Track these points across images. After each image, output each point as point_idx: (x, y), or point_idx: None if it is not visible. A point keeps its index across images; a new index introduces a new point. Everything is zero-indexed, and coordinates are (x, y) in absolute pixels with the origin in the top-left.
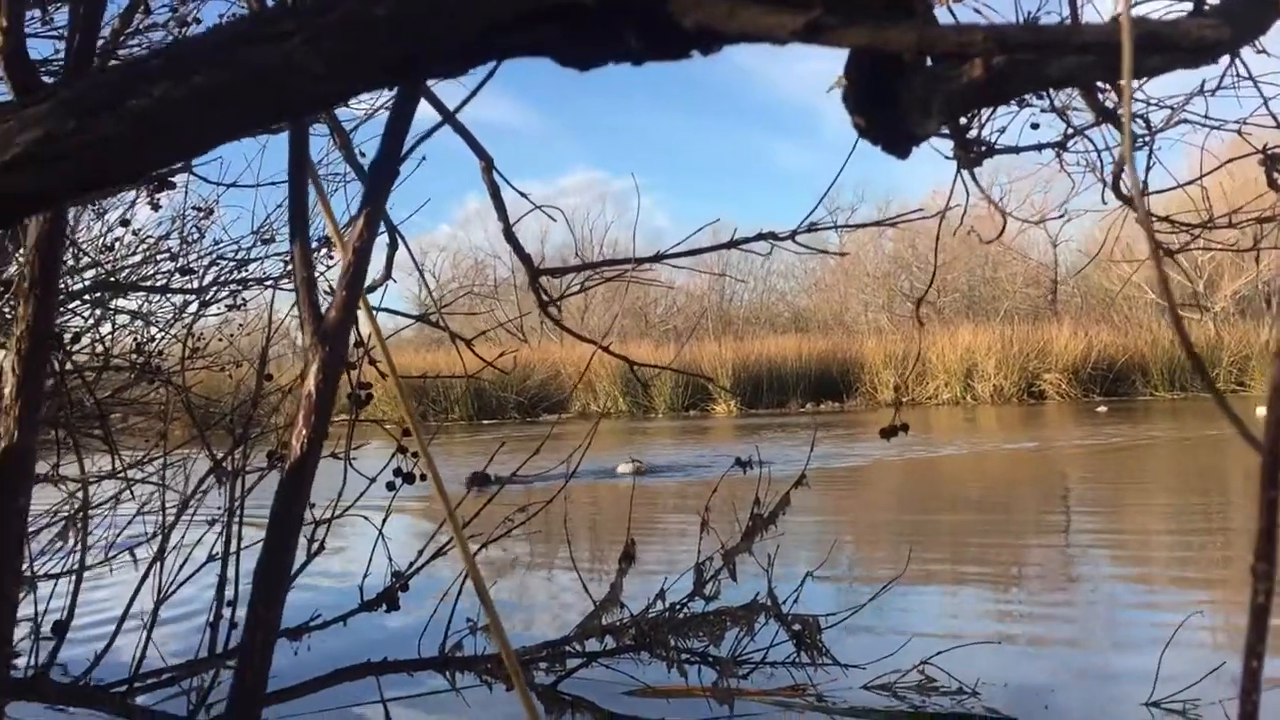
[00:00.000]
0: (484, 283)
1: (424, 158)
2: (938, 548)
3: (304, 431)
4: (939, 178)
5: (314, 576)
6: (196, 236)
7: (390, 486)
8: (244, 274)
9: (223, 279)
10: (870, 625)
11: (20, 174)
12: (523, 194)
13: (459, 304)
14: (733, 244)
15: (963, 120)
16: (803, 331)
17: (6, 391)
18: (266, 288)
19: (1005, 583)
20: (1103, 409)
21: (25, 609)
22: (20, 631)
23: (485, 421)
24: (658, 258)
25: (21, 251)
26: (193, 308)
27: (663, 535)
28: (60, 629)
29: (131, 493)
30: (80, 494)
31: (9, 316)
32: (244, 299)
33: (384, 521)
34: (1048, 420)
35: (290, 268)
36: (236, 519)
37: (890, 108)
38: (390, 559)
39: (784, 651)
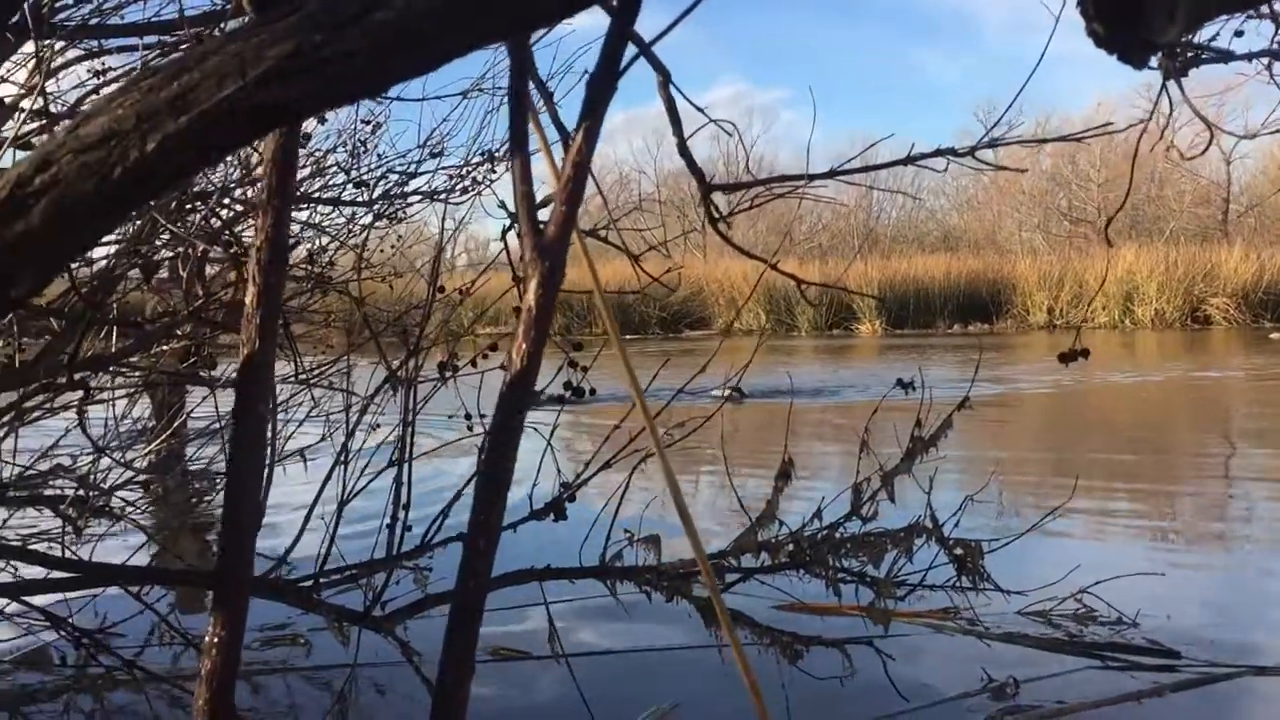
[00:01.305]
0: (630, 198)
1: (586, 71)
2: (1097, 477)
3: (523, 345)
4: (1102, 90)
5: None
6: (363, 151)
7: (559, 400)
8: (411, 188)
9: (392, 192)
10: (1028, 554)
11: (270, 88)
12: (699, 108)
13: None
14: (910, 160)
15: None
16: (952, 251)
17: (248, 301)
18: (435, 201)
19: (1168, 514)
20: (1275, 335)
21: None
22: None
23: (629, 336)
24: (832, 174)
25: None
26: (365, 220)
27: (805, 458)
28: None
29: (313, 397)
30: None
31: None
32: (409, 213)
33: (552, 433)
34: (1213, 346)
35: (454, 183)
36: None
37: (1133, 15)
38: (559, 470)
39: (940, 575)
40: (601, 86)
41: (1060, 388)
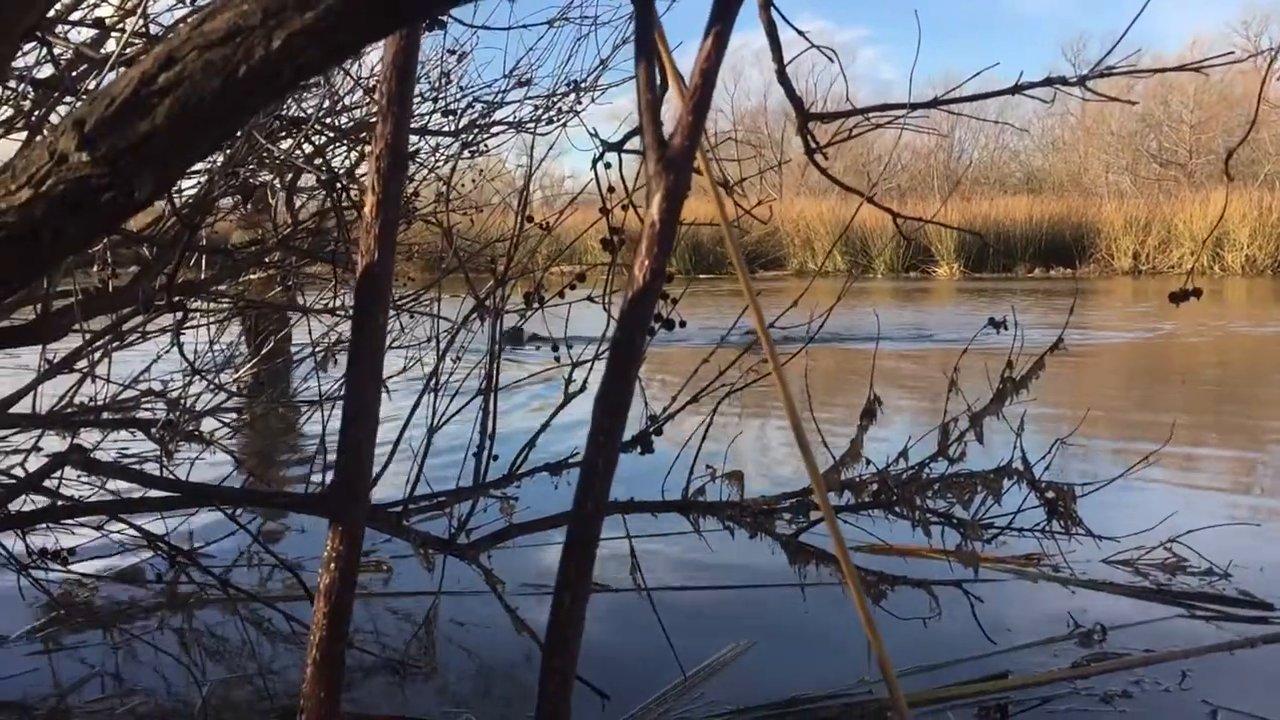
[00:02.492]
0: (709, 133)
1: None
2: (1187, 426)
3: (646, 261)
4: (1195, 28)
5: (574, 415)
6: (447, 82)
7: (650, 332)
8: (497, 117)
9: (479, 122)
10: (1113, 501)
11: None
12: (801, 32)
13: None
14: (1017, 89)
15: None
16: (1035, 193)
17: (366, 211)
18: (522, 132)
19: (1262, 466)
20: None
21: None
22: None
23: (702, 275)
24: (934, 103)
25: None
26: (452, 149)
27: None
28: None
29: (402, 326)
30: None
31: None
32: (494, 145)
33: (638, 365)
34: None
35: (540, 113)
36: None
37: None
38: (646, 403)
39: (1026, 521)
40: None
41: (1147, 334)
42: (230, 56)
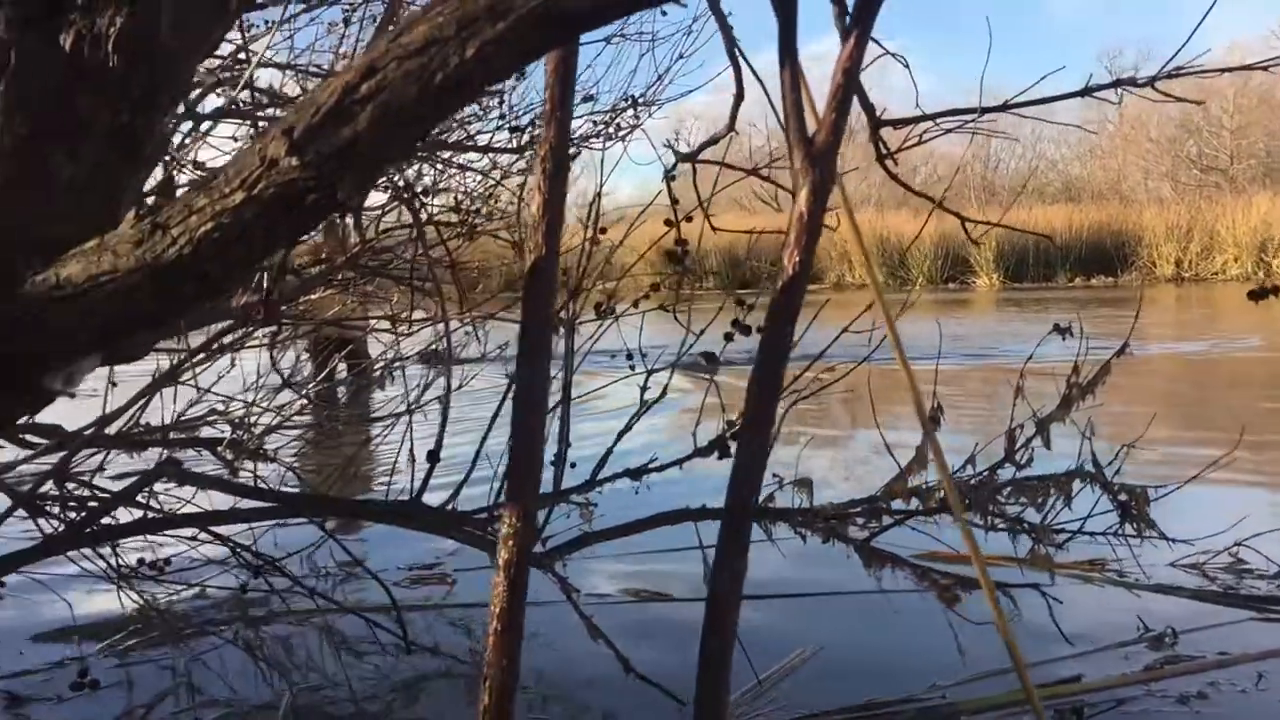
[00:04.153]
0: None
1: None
2: (1255, 432)
3: (795, 253)
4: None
5: (655, 419)
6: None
7: (727, 337)
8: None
9: (540, 137)
10: (1178, 505)
11: None
12: (875, 40)
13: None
14: (1086, 91)
15: None
16: (1074, 201)
17: (534, 210)
18: (585, 147)
19: None
20: None
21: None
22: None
23: (741, 290)
24: (1005, 107)
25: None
26: (519, 165)
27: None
28: (433, 457)
29: (478, 337)
30: (442, 331)
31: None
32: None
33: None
34: None
35: (601, 128)
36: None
37: None
38: (724, 407)
39: (1097, 524)
40: None
41: (1197, 342)
42: (427, 65)
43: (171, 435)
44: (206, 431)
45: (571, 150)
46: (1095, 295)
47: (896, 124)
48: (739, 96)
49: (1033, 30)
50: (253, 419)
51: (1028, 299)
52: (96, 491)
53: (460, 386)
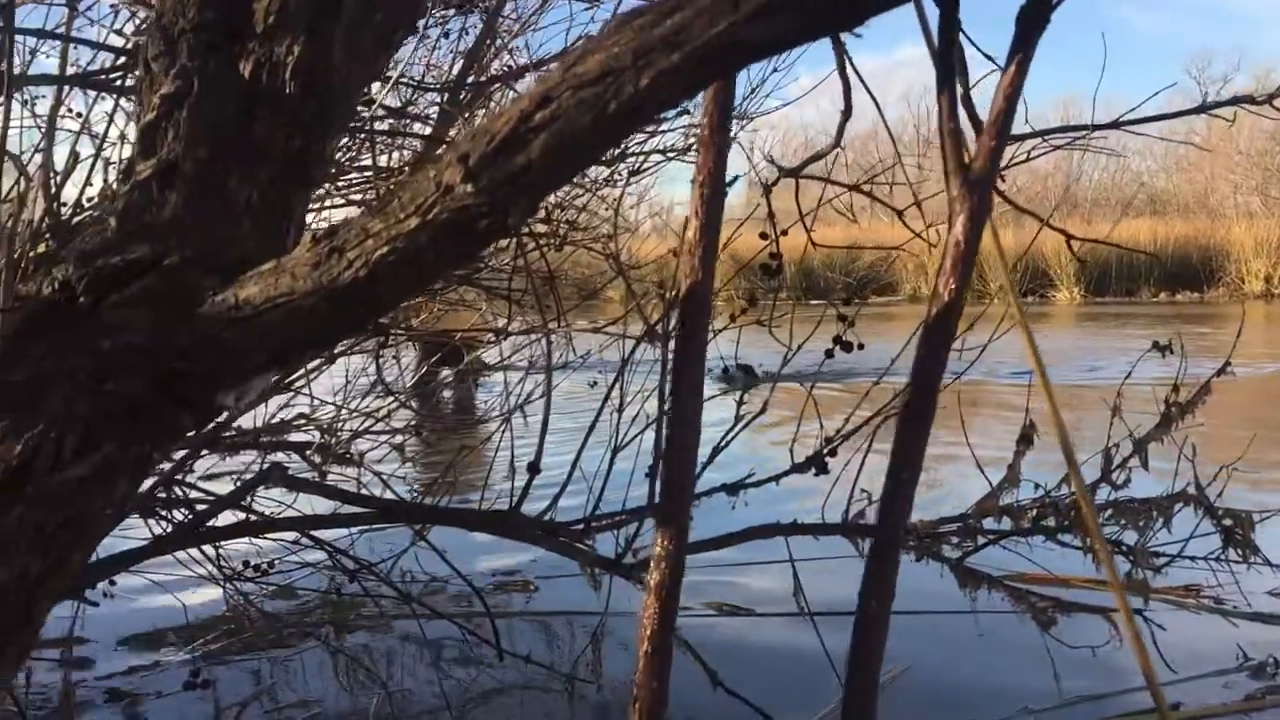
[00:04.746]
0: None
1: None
2: None
3: (951, 280)
4: None
5: (754, 435)
6: None
7: (829, 354)
8: (649, 146)
9: (630, 150)
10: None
11: (756, 23)
12: (988, 55)
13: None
14: (1203, 108)
15: None
16: (1159, 215)
17: (689, 234)
18: (671, 159)
19: None
20: None
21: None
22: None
23: (813, 302)
24: (1116, 124)
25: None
26: (604, 175)
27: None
28: (534, 469)
29: (573, 349)
30: (544, 345)
31: None
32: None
33: (811, 388)
34: None
35: (690, 140)
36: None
37: None
38: (821, 424)
39: (1197, 548)
40: (1033, 17)
41: None
42: (601, 94)
43: (262, 439)
44: (296, 436)
45: (669, 162)
46: (1180, 311)
47: (1010, 139)
48: (846, 113)
49: (1111, 40)
50: (340, 424)
51: (1107, 314)
52: (201, 493)
53: (548, 396)
